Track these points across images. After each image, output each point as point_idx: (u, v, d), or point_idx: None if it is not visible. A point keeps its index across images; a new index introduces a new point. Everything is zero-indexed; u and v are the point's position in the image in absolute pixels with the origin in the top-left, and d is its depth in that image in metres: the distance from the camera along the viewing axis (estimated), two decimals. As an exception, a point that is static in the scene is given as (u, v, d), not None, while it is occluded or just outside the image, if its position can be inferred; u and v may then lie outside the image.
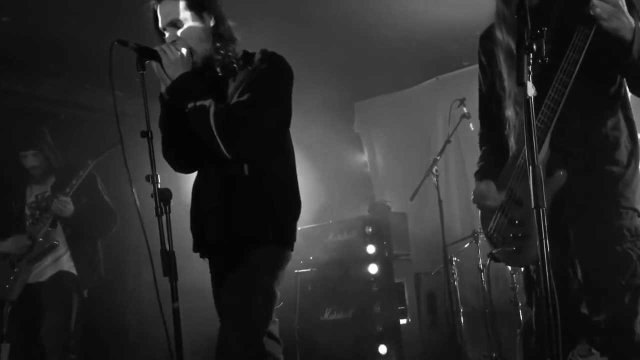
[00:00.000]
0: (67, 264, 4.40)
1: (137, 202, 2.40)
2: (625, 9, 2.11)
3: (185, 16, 2.61)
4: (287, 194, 2.68)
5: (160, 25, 2.65)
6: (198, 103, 2.52)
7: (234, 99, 2.56)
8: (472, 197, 2.57)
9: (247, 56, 2.69)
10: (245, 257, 2.55)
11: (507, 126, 2.47)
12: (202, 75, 2.65)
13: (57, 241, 4.35)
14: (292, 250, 2.68)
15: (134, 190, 2.41)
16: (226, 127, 2.49)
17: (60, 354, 4.24)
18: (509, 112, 2.44)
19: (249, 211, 2.57)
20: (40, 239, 4.29)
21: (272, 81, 2.60)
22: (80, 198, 4.35)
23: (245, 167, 2.57)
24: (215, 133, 2.49)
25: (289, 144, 2.74)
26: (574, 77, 2.19)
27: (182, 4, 2.61)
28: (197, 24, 2.62)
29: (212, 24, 2.66)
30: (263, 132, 2.55)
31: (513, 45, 2.33)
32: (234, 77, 2.64)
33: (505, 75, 2.45)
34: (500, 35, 2.46)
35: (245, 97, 2.52)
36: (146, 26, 2.73)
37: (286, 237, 2.65)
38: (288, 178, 2.70)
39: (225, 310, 2.60)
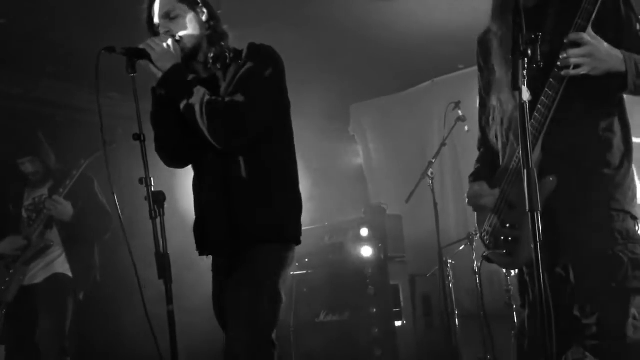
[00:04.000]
0: (62, 266, 4.39)
1: (119, 208, 2.45)
2: (604, 45, 2.12)
3: (179, 8, 2.64)
4: (286, 190, 2.66)
5: (155, 20, 2.66)
6: (190, 101, 2.51)
7: (226, 96, 2.56)
8: (467, 200, 2.57)
9: (237, 52, 2.70)
10: (248, 256, 2.55)
11: (490, 119, 2.48)
12: (194, 68, 2.67)
13: (52, 241, 4.33)
14: (297, 245, 2.67)
15: (115, 196, 2.47)
16: (218, 125, 2.49)
17: (55, 357, 4.22)
18: (495, 101, 2.43)
19: (248, 209, 2.56)
20: (35, 240, 4.29)
21: (261, 76, 2.59)
22: (77, 200, 4.33)
23: (242, 163, 2.57)
24: (207, 132, 2.50)
25: (289, 139, 2.73)
26: (565, 83, 2.21)
27: None
28: (189, 15, 2.65)
29: (204, 18, 2.69)
30: (255, 128, 2.55)
31: (509, 34, 2.25)
32: (226, 72, 2.65)
33: (497, 65, 2.42)
34: (495, 26, 2.42)
35: (236, 94, 2.52)
36: (144, 29, 2.73)
37: (289, 235, 2.64)
38: (288, 174, 2.70)
39: (230, 314, 2.56)
